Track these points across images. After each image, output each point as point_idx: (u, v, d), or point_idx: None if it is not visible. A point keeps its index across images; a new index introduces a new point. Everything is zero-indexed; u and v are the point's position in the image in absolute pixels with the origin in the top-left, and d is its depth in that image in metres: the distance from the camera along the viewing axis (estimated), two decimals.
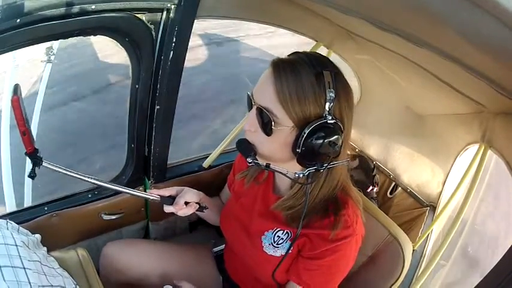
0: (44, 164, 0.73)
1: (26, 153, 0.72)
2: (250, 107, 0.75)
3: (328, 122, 0.67)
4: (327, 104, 0.67)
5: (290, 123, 0.69)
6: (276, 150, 0.73)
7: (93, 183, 0.83)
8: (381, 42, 0.94)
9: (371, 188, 1.42)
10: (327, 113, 0.67)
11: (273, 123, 0.69)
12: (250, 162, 0.75)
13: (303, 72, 0.67)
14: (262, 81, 0.72)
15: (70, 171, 0.78)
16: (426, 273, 0.97)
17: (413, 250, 1.00)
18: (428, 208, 1.29)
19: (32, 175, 0.72)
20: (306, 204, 0.74)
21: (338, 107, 0.69)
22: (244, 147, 0.76)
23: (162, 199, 0.89)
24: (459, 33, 0.52)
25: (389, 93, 1.29)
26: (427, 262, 1.07)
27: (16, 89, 0.66)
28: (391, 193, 1.45)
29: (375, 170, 1.45)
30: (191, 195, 0.92)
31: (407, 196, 1.37)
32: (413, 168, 1.34)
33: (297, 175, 0.75)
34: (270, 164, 0.77)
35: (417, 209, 1.32)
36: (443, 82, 0.88)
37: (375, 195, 1.45)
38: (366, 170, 1.46)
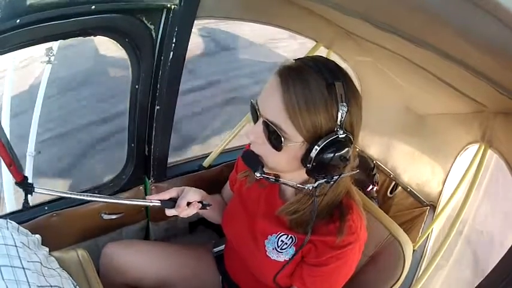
0: (36, 190, 0.70)
1: (16, 183, 0.69)
2: (255, 118, 0.72)
3: (340, 136, 0.65)
4: (339, 117, 0.64)
5: (300, 138, 0.66)
6: (285, 163, 0.72)
7: (90, 200, 0.81)
8: (381, 42, 0.94)
9: (371, 187, 1.42)
10: (338, 127, 0.65)
11: (282, 139, 0.66)
12: (258, 177, 0.73)
13: (312, 83, 0.64)
14: (268, 92, 0.68)
15: (65, 193, 0.75)
16: (427, 274, 0.97)
17: (413, 250, 1.00)
18: (429, 207, 1.29)
19: (26, 205, 0.69)
20: (314, 215, 0.73)
21: (349, 120, 0.67)
22: (251, 160, 0.74)
23: (163, 203, 0.86)
24: (460, 34, 0.52)
25: (389, 93, 1.29)
26: (427, 262, 1.06)
27: None
28: (391, 192, 1.45)
29: (375, 169, 1.45)
30: (192, 194, 0.88)
31: (407, 195, 1.37)
32: (413, 168, 1.34)
33: (306, 187, 0.73)
34: (279, 177, 0.75)
35: (417, 209, 1.32)
36: (444, 82, 0.87)
37: (375, 195, 1.45)
38: (366, 170, 1.46)
